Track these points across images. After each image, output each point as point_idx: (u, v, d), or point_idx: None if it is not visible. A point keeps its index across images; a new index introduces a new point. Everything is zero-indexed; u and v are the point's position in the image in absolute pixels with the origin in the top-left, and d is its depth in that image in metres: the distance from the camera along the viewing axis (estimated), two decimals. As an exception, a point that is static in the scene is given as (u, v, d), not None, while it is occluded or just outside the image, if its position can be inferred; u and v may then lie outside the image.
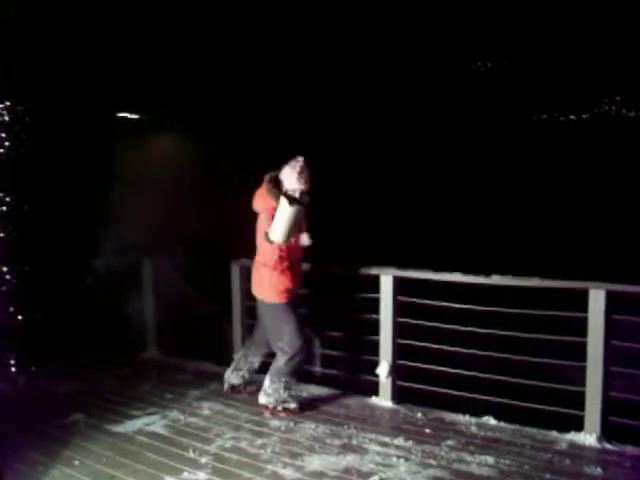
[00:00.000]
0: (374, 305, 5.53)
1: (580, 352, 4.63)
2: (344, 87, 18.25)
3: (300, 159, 5.17)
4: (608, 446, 4.47)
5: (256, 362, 5.70)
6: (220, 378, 6.24)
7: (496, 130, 22.09)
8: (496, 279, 5.00)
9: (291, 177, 5.11)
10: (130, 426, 5.02)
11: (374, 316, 5.54)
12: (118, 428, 4.97)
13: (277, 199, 5.06)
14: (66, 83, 7.68)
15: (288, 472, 4.16)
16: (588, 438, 4.55)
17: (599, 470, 4.10)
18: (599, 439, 4.52)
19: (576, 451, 4.42)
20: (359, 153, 17.23)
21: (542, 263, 8.61)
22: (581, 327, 4.60)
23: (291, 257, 5.22)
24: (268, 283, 5.21)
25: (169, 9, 12.23)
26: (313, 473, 4.14)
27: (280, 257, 5.13)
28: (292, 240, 5.16)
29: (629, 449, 4.40)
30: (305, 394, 5.71)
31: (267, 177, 5.24)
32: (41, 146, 7.03)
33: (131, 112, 12.27)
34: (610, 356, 4.54)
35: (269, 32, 15.62)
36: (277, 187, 5.15)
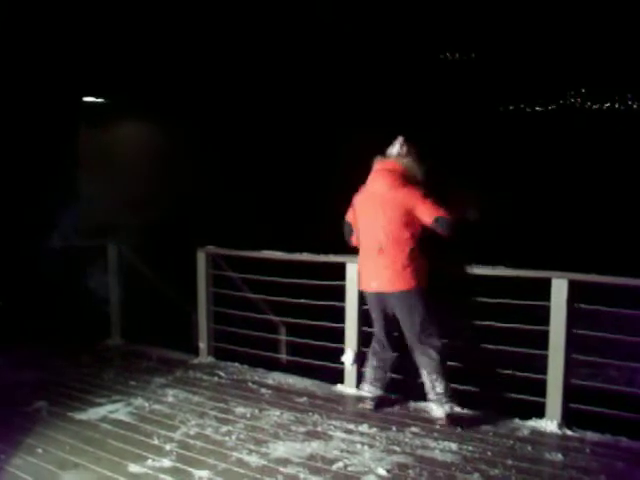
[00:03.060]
0: (339, 293, 5.54)
1: (543, 340, 4.70)
2: (313, 72, 18.21)
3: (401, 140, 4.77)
4: (569, 432, 4.54)
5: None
6: (185, 365, 6.22)
7: (463, 120, 22.22)
8: (460, 267, 5.03)
9: (417, 166, 4.71)
10: (94, 414, 4.96)
11: (339, 304, 5.55)
12: (81, 416, 4.92)
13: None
14: (31, 66, 7.54)
15: (253, 459, 4.15)
16: (549, 425, 4.61)
17: (560, 456, 4.16)
18: (560, 426, 4.58)
19: (537, 437, 4.48)
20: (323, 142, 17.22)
21: (509, 253, 8.68)
22: (545, 316, 4.67)
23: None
24: None
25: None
26: (278, 460, 4.14)
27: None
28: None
29: (589, 435, 4.48)
30: (270, 381, 5.73)
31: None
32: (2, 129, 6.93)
33: (96, 96, 12.12)
34: (571, 344, 4.62)
35: (241, 16, 15.52)
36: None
